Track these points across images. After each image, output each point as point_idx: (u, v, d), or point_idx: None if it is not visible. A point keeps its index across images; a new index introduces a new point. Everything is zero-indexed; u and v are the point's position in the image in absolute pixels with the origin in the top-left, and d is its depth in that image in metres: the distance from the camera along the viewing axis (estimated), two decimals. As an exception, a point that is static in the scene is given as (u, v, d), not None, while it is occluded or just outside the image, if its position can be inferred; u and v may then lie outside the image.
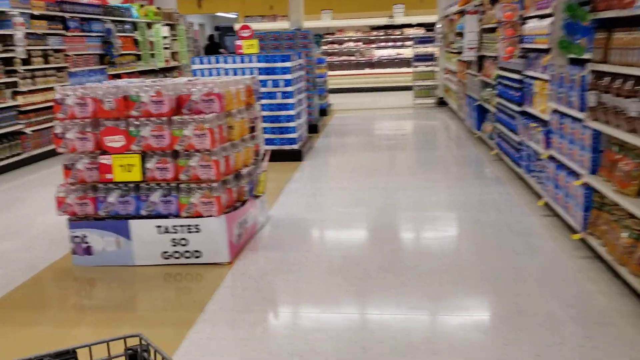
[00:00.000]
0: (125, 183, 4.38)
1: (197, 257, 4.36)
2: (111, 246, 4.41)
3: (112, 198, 4.39)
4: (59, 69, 9.23)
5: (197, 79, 4.89)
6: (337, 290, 3.89)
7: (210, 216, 4.30)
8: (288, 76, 7.78)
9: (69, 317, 3.73)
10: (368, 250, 4.72)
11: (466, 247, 4.68)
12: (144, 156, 4.34)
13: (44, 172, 8.16)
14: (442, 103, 13.62)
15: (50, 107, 8.88)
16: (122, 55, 11.12)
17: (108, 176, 4.37)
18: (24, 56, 8.15)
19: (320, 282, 4.02)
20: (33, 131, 8.49)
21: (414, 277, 4.02)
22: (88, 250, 4.44)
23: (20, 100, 8.19)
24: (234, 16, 23.50)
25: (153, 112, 4.26)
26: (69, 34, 9.53)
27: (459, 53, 10.19)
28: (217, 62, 8.11)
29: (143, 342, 1.42)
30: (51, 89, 8.94)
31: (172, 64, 13.72)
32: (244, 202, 4.74)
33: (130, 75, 11.65)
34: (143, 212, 4.37)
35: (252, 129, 5.09)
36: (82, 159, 4.40)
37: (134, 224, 4.37)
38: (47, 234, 5.26)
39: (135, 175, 4.34)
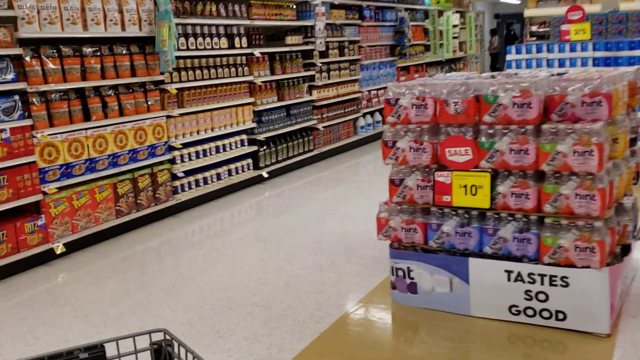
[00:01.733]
0: (467, 209, 3.37)
1: (558, 319, 3.16)
2: (442, 287, 3.45)
3: (448, 227, 3.40)
4: (352, 62, 8.78)
5: (557, 73, 3.64)
6: None
7: (587, 267, 3.04)
8: (636, 68, 6.05)
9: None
10: None
11: None
12: (496, 176, 3.27)
13: (330, 170, 7.75)
14: None
15: (340, 103, 8.48)
16: (411, 46, 10.37)
17: (445, 198, 3.39)
18: (322, 48, 7.79)
19: None
20: (324, 127, 8.14)
21: None
22: (412, 288, 3.54)
23: (314, 94, 7.87)
24: (517, 2, 21.55)
25: (514, 118, 3.14)
26: (364, 24, 9.04)
27: None
28: (539, 51, 6.76)
29: (167, 337, 1.45)
30: (342, 83, 8.53)
31: (458, 54, 12.66)
32: (625, 248, 3.38)
33: (417, 67, 10.89)
34: (488, 250, 3.31)
35: (633, 141, 3.67)
36: (413, 173, 3.50)
37: (475, 263, 3.34)
38: (340, 243, 4.58)
39: (482, 201, 3.29)
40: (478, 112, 3.26)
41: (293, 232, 5.16)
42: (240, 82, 6.44)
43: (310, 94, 7.80)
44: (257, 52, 6.62)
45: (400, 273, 3.57)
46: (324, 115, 8.16)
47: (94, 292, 4.07)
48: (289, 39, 7.28)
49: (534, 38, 18.25)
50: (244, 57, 6.48)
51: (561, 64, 6.66)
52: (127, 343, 1.44)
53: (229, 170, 6.39)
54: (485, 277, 3.32)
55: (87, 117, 4.85)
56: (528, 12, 17.86)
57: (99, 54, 4.89)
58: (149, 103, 5.36)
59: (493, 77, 3.86)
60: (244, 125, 6.54)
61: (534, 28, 18.39)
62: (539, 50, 6.79)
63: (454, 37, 12.08)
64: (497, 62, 20.07)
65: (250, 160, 6.69)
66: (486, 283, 3.32)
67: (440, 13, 11.50)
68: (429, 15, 11.21)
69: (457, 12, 12.25)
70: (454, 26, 11.96)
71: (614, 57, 6.16)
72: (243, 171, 6.58)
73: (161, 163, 5.54)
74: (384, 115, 3.56)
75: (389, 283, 3.69)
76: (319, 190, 6.74)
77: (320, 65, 7.92)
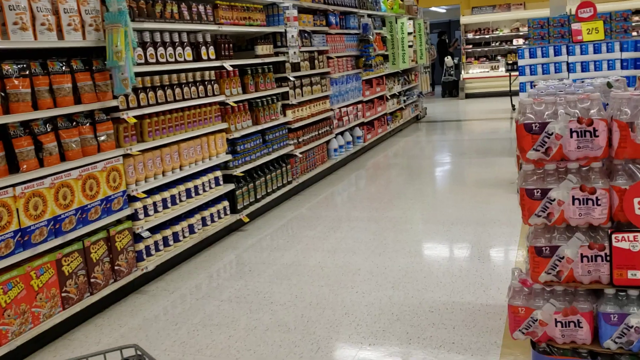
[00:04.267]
0: (669, 290, 2.18)
1: None
2: (632, 413, 2.23)
3: (637, 319, 2.20)
4: (322, 75, 7.51)
5: None
6: None
7: None
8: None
9: None
10: None
11: None
12: None
13: (308, 205, 6.40)
14: None
15: (314, 123, 7.19)
16: (376, 56, 9.26)
17: (631, 274, 2.19)
18: (296, 60, 6.47)
19: None
20: (302, 153, 6.80)
21: None
22: (577, 415, 2.30)
23: (289, 115, 6.53)
24: (443, 11, 21.23)
25: None
26: (331, 31, 7.80)
27: None
28: (557, 54, 5.82)
29: (138, 352, 1.49)
30: (315, 100, 7.24)
31: (411, 64, 11.70)
32: None
33: (378, 80, 9.79)
34: None
35: None
36: (574, 238, 2.27)
37: (690, 375, 2.15)
38: (380, 318, 3.27)
39: (697, 277, 2.11)
40: (686, 140, 2.10)
41: (298, 300, 3.80)
42: (210, 104, 5.00)
43: (285, 115, 6.45)
44: (227, 64, 5.20)
45: (557, 391, 2.32)
46: (300, 140, 6.82)
47: None
48: (260, 49, 5.90)
49: (470, 46, 17.91)
50: (212, 72, 5.04)
51: (584, 67, 5.74)
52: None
53: (203, 219, 4.91)
54: None
55: (13, 167, 3.27)
56: (465, 20, 17.47)
57: (27, 72, 3.32)
58: (100, 139, 3.82)
59: (610, 85, 2.76)
60: (217, 159, 5.08)
61: (470, 35, 18.03)
62: (557, 53, 5.83)
63: (409, 46, 11.11)
64: (433, 72, 19.51)
65: (226, 203, 5.23)
66: None
67: (396, 20, 10.48)
68: (386, 23, 10.16)
69: (409, 19, 11.31)
70: (409, 34, 11.00)
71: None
72: (219, 217, 5.12)
73: (119, 222, 4.01)
74: (520, 148, 2.31)
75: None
76: (308, 234, 5.35)
77: (294, 79, 6.58)
